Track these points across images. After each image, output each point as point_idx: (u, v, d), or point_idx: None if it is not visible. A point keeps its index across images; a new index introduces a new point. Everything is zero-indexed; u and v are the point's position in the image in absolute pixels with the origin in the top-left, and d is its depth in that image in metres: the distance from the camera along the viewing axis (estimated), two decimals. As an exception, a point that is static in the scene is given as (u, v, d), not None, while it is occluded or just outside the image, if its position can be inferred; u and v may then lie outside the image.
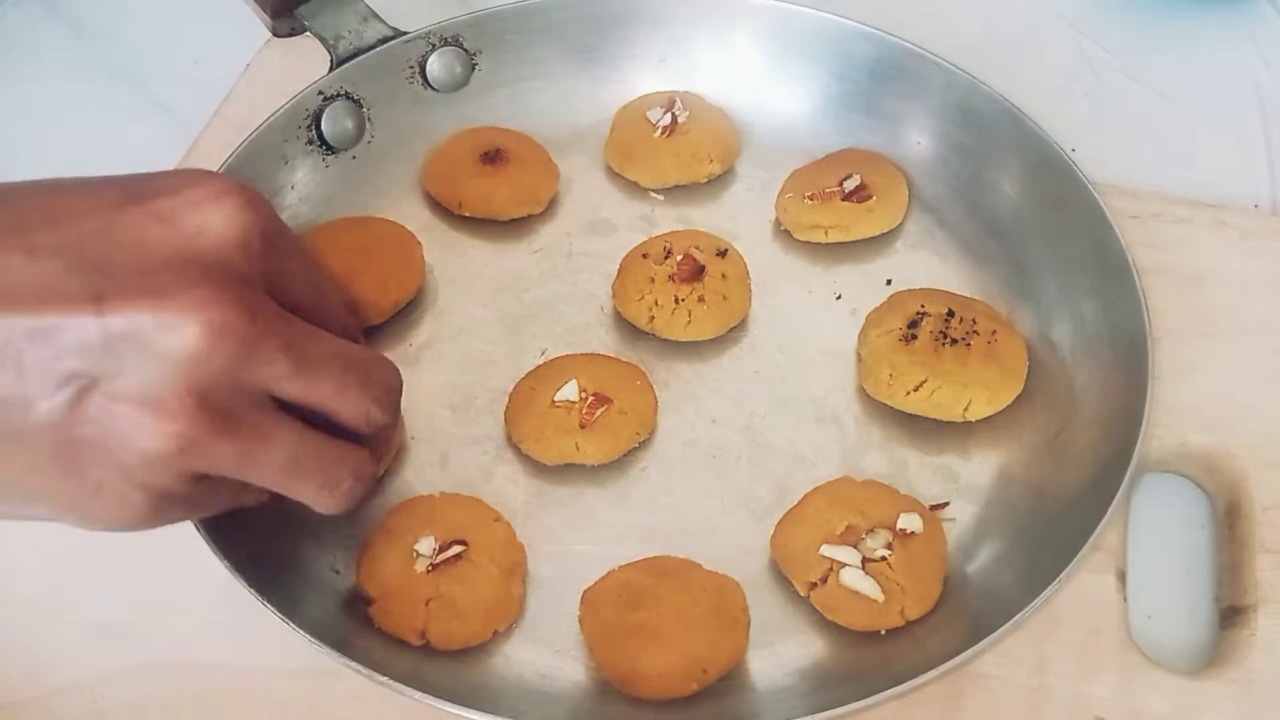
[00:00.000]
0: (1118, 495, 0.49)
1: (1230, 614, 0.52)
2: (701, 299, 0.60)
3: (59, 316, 0.32)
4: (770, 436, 0.58)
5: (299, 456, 0.38)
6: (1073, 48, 0.77)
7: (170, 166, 0.68)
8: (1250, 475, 0.55)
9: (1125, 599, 0.52)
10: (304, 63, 0.67)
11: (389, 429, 0.44)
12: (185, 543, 0.54)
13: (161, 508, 0.36)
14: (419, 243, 0.63)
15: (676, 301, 0.60)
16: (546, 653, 0.51)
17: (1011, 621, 0.46)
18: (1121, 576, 0.52)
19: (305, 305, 0.39)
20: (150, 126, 0.74)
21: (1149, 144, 0.67)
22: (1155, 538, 0.55)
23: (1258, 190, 0.68)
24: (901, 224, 0.65)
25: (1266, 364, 0.59)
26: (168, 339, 0.33)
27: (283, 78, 0.69)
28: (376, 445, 0.44)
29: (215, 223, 0.36)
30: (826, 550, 0.51)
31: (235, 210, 0.36)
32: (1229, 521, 0.55)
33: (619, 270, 0.62)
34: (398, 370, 0.44)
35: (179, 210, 0.36)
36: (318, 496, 0.40)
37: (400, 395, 0.44)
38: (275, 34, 0.67)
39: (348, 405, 0.40)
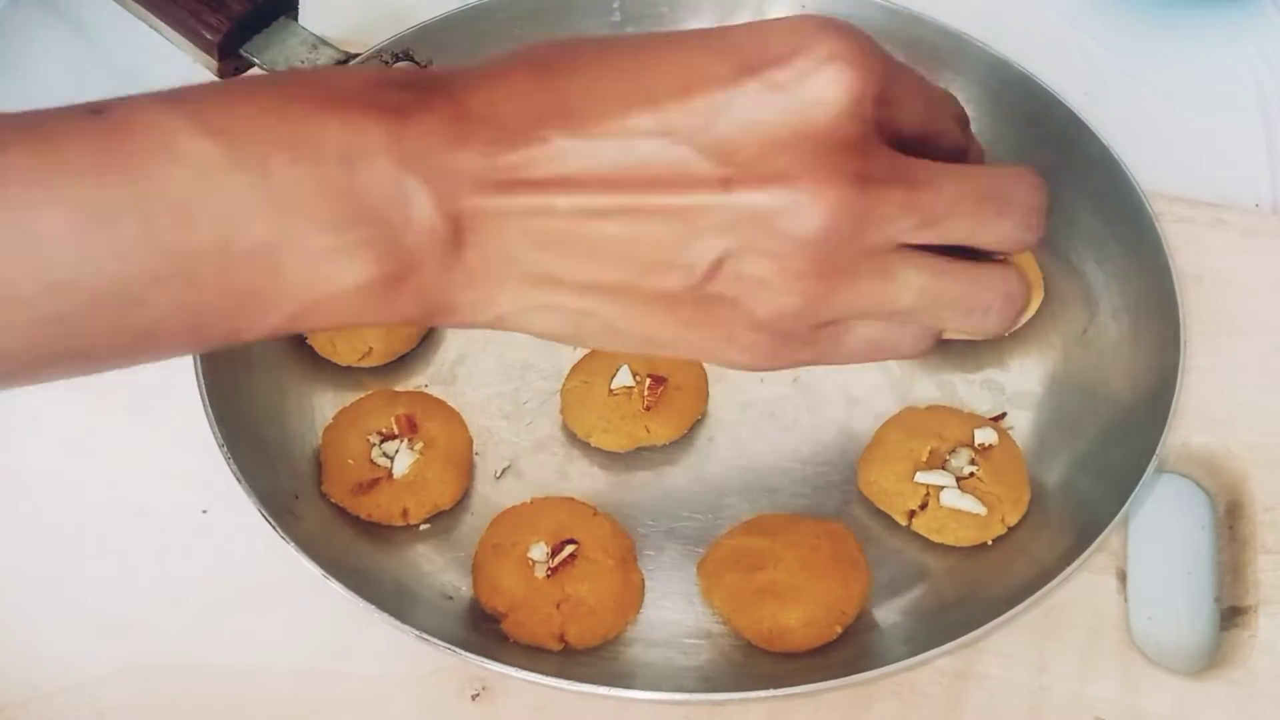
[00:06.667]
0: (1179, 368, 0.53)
1: (1231, 614, 0.52)
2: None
3: (694, 199, 0.35)
4: (819, 384, 0.59)
5: (933, 292, 0.39)
6: (1073, 47, 0.76)
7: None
8: (1251, 475, 0.55)
9: (1126, 599, 0.52)
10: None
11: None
12: (185, 542, 0.54)
13: (786, 351, 0.38)
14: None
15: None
16: (680, 631, 0.51)
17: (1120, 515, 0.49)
18: (1122, 577, 0.52)
19: (919, 136, 0.39)
20: None
21: (1149, 144, 0.65)
22: (1155, 538, 0.55)
23: (1258, 189, 0.68)
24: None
25: (1267, 364, 0.58)
26: (790, 223, 0.35)
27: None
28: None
29: (829, 94, 0.36)
30: (921, 477, 0.53)
31: (849, 77, 0.36)
32: (1230, 521, 0.55)
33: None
34: (1040, 181, 0.41)
35: (792, 82, 0.36)
36: (967, 322, 0.40)
37: (1047, 205, 0.41)
38: (221, 76, 0.64)
39: (988, 238, 0.39)
